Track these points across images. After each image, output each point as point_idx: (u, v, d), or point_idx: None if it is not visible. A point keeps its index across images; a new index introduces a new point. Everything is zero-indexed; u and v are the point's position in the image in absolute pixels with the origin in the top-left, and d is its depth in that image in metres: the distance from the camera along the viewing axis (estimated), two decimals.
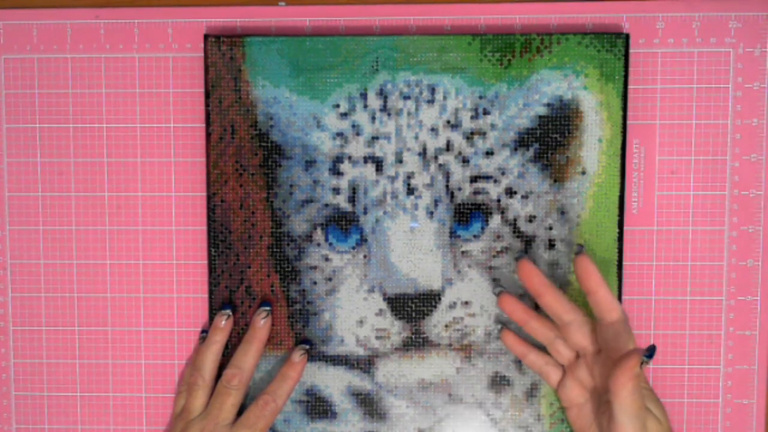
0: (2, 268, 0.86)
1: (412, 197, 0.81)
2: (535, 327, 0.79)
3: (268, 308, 0.82)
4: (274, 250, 0.82)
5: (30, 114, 0.85)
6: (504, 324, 0.82)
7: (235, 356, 0.81)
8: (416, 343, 0.82)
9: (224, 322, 0.82)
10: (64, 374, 0.86)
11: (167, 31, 0.85)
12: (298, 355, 0.82)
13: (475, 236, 0.81)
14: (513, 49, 0.81)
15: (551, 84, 0.81)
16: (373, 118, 0.81)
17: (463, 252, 0.82)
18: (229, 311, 0.82)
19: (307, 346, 0.82)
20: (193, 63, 0.84)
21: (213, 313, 0.83)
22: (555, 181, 0.81)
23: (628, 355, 0.71)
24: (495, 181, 0.81)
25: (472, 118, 0.81)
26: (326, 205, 0.82)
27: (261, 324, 0.81)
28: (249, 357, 0.81)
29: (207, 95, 0.82)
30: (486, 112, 0.81)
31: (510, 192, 0.81)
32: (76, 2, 0.85)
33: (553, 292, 0.77)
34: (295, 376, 0.81)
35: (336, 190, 0.81)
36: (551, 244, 0.82)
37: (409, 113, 0.81)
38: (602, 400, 0.76)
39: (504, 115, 0.81)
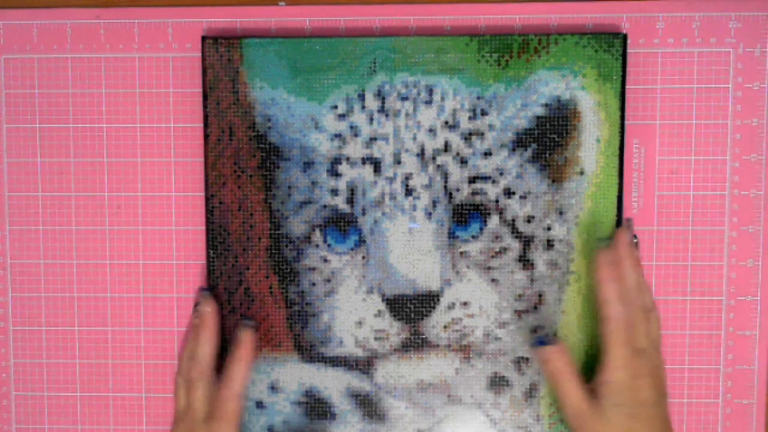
0: (2, 268, 0.86)
1: (410, 198, 0.81)
2: None
3: (207, 292, 0.82)
4: (273, 251, 0.82)
5: (30, 114, 0.85)
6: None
7: (187, 348, 0.81)
8: (415, 344, 0.82)
9: (197, 320, 0.82)
10: (64, 374, 0.86)
11: (167, 31, 0.85)
12: (243, 333, 0.81)
13: (473, 237, 0.81)
14: (510, 49, 0.80)
15: (549, 84, 0.81)
16: (371, 119, 0.81)
17: (461, 253, 0.82)
18: (252, 324, 0.83)
19: (252, 322, 0.82)
20: (193, 63, 0.84)
21: None
22: (553, 181, 0.81)
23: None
24: (493, 182, 0.81)
25: (470, 118, 0.81)
26: (324, 206, 0.82)
27: (206, 309, 0.81)
28: (202, 346, 0.81)
29: (205, 97, 0.82)
30: (484, 113, 0.81)
31: (508, 192, 0.81)
32: (76, 2, 0.85)
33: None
34: (243, 356, 0.81)
35: (334, 192, 0.81)
36: (550, 245, 0.82)
37: (407, 114, 0.81)
38: None
39: (502, 115, 0.81)
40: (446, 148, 0.81)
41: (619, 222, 0.81)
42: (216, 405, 0.80)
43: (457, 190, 0.81)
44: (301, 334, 0.83)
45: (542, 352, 0.80)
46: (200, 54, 0.83)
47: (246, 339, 0.81)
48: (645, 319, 0.78)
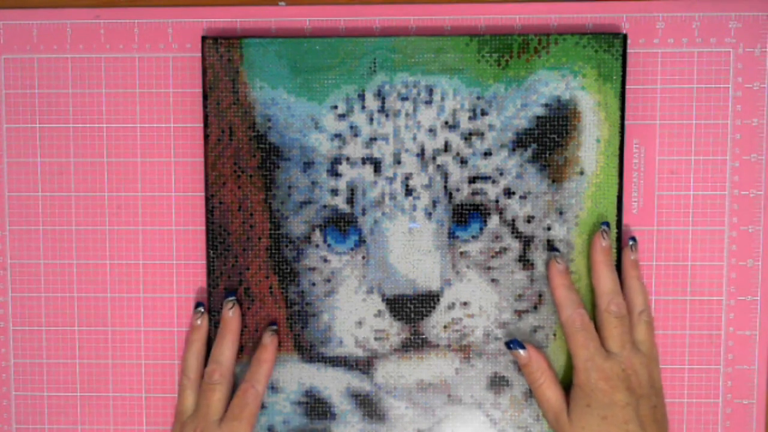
0: (2, 268, 0.86)
1: (410, 198, 0.81)
2: None
3: (233, 298, 0.82)
4: (273, 251, 0.82)
5: (30, 114, 0.85)
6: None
7: (212, 352, 0.82)
8: (415, 344, 0.82)
9: (199, 321, 0.83)
10: (64, 374, 0.86)
11: (167, 31, 0.85)
12: (268, 337, 0.82)
13: (473, 237, 0.81)
14: (510, 49, 0.80)
15: (549, 84, 0.80)
16: (371, 119, 0.81)
17: (461, 253, 0.81)
18: (202, 308, 0.83)
19: (275, 327, 0.83)
20: (193, 63, 0.84)
21: (212, 314, 0.83)
22: (553, 181, 0.81)
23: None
24: (493, 182, 0.81)
25: (470, 118, 0.81)
26: (324, 206, 0.82)
27: (230, 315, 0.82)
28: (225, 349, 0.81)
29: (205, 97, 0.81)
30: (484, 113, 0.81)
31: (508, 192, 0.81)
32: (76, 2, 0.85)
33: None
34: (269, 358, 0.82)
35: (334, 192, 0.81)
36: (550, 245, 0.81)
37: (407, 114, 0.81)
38: None
39: (502, 115, 0.81)
40: (446, 148, 0.81)
41: (619, 222, 0.81)
42: (237, 404, 0.80)
43: (457, 190, 0.81)
44: (301, 334, 0.83)
45: (519, 357, 0.81)
46: (200, 54, 0.83)
47: (270, 342, 0.82)
48: (621, 324, 0.78)
